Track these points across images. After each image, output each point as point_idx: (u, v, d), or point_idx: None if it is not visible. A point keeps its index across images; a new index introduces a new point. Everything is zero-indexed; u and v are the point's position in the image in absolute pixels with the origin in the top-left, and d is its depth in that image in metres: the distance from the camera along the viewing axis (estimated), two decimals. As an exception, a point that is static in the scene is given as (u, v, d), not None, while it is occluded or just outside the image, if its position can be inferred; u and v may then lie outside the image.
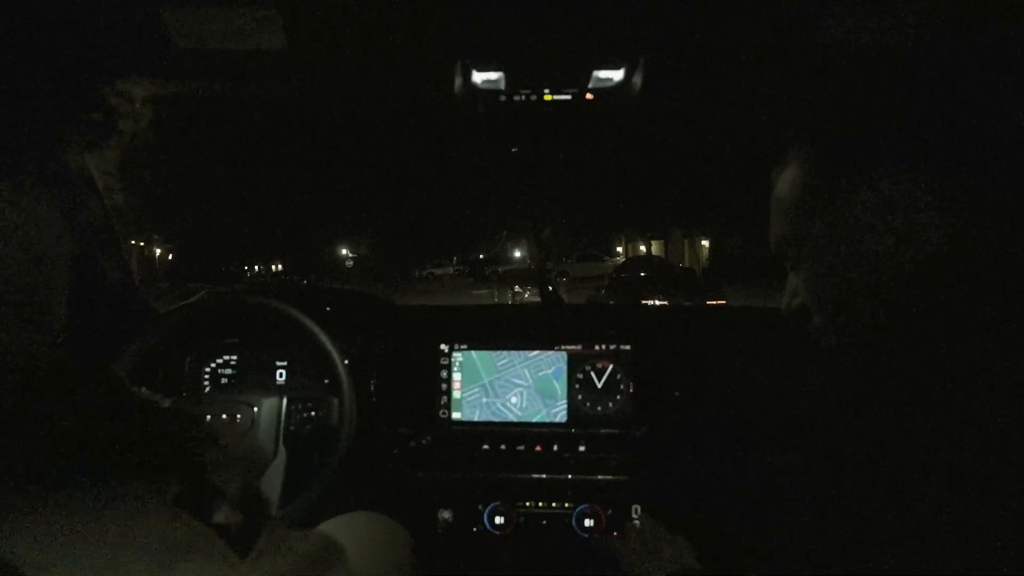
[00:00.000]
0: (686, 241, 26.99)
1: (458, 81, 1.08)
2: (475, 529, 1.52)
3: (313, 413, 1.36)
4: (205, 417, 1.28)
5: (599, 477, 1.51)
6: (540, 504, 1.52)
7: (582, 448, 1.52)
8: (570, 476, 1.52)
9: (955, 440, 0.57)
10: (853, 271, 0.74)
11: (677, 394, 1.55)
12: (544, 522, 1.51)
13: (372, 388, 1.54)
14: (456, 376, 1.58)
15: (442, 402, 1.58)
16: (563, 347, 1.57)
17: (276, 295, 1.38)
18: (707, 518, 1.30)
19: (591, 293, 11.92)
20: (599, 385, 1.56)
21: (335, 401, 1.34)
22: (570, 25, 0.98)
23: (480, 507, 1.52)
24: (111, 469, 0.47)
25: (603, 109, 1.17)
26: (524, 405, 1.56)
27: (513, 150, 1.43)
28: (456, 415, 1.57)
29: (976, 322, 0.64)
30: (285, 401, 1.35)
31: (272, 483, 1.26)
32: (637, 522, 1.45)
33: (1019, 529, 0.53)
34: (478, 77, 1.07)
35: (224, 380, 1.59)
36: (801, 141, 0.81)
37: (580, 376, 1.56)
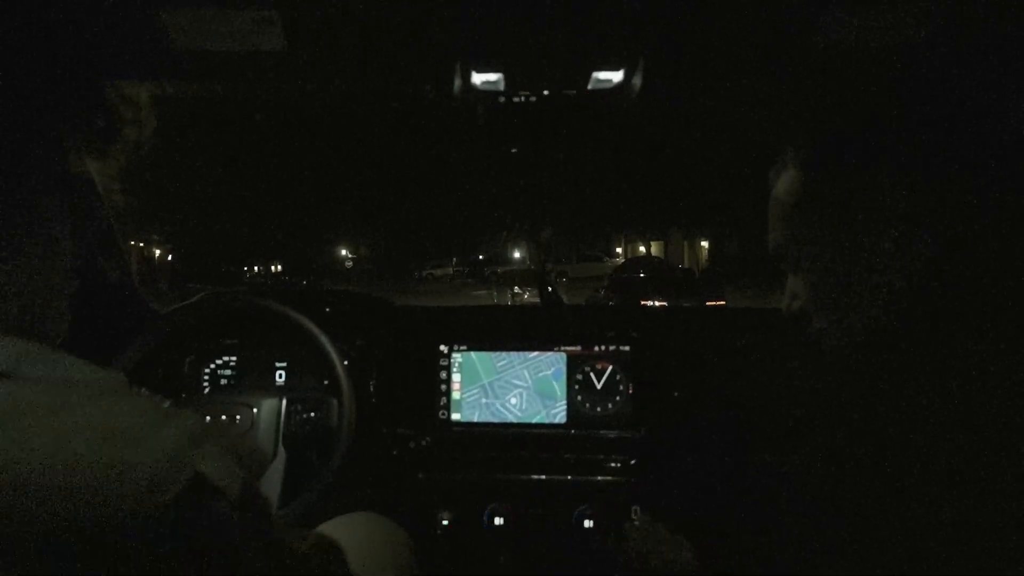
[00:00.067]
0: (685, 242, 27.00)
1: (457, 82, 1.08)
2: (475, 530, 1.52)
3: (313, 414, 1.36)
4: (205, 418, 1.28)
5: (598, 478, 1.51)
6: (539, 505, 1.52)
7: (581, 449, 1.52)
8: (569, 477, 1.52)
9: (954, 441, 0.57)
10: (854, 273, 0.74)
11: (676, 395, 1.55)
12: (544, 523, 1.51)
13: (372, 389, 1.54)
14: (455, 377, 1.58)
15: (441, 403, 1.58)
16: (563, 348, 1.57)
17: (275, 296, 1.38)
18: (707, 519, 1.29)
19: (591, 294, 11.92)
20: (598, 386, 1.56)
21: (335, 402, 1.34)
22: (569, 26, 0.98)
23: (480, 508, 1.52)
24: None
25: (602, 110, 1.17)
26: (523, 406, 1.56)
27: (512, 151, 1.43)
28: (456, 416, 1.57)
29: (976, 324, 0.64)
30: (285, 402, 1.35)
31: (272, 484, 1.26)
32: (636, 523, 1.45)
33: (1019, 530, 0.53)
34: (477, 78, 1.07)
35: (223, 381, 1.58)
36: (799, 142, 0.81)
37: (579, 377, 1.56)
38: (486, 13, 0.94)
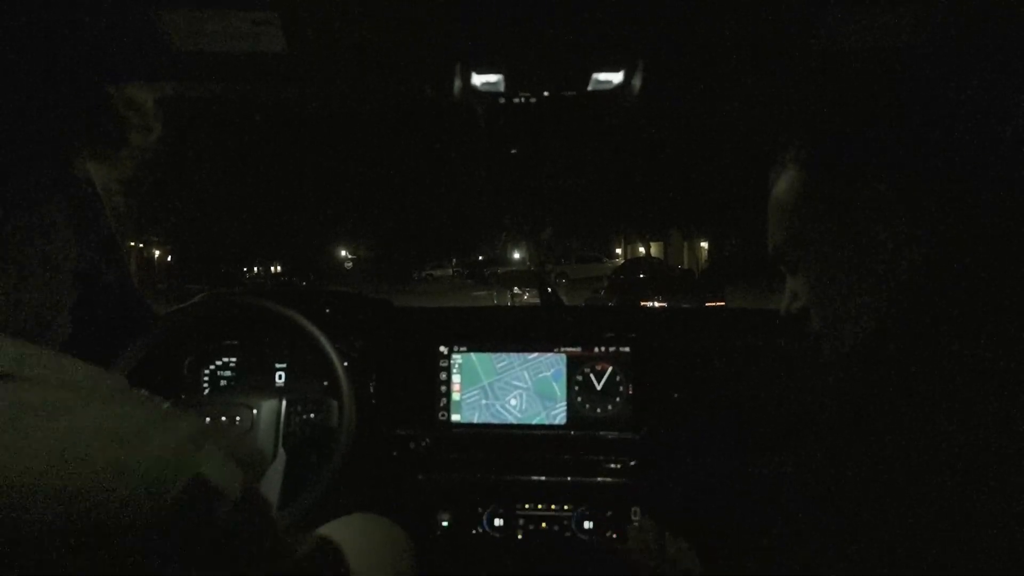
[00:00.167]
0: (685, 243, 27.01)
1: (457, 83, 1.08)
2: (475, 531, 1.52)
3: (312, 415, 1.36)
4: (204, 419, 1.28)
5: (598, 479, 1.51)
6: (539, 506, 1.51)
7: (581, 450, 1.52)
8: (569, 478, 1.52)
9: (954, 441, 0.57)
10: (853, 275, 0.74)
11: (676, 396, 1.55)
12: (544, 524, 1.51)
13: (371, 390, 1.54)
14: (455, 378, 1.58)
15: (441, 404, 1.58)
16: (562, 349, 1.57)
17: (275, 297, 1.38)
18: (706, 520, 1.29)
19: (590, 294, 11.94)
20: (598, 387, 1.56)
21: (334, 403, 1.34)
22: (569, 27, 0.98)
23: (480, 509, 1.52)
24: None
25: (602, 111, 1.17)
26: (523, 407, 1.56)
27: (512, 152, 1.43)
28: (455, 417, 1.57)
29: (975, 325, 0.64)
30: (284, 403, 1.34)
31: (271, 485, 1.26)
32: (637, 524, 1.45)
33: (1018, 531, 0.53)
34: (477, 79, 1.07)
35: (223, 382, 1.58)
36: (799, 143, 0.80)
37: (579, 378, 1.56)
38: (486, 14, 0.94)
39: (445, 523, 1.52)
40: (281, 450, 1.30)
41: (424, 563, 1.15)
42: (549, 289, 1.91)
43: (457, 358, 1.59)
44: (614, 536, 1.47)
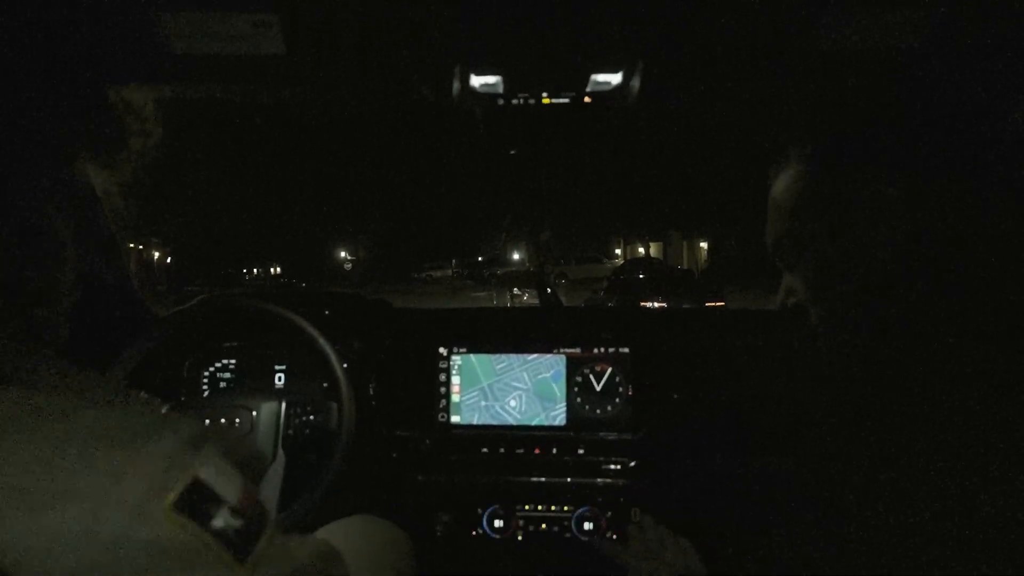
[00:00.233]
0: (685, 243, 27.01)
1: (456, 85, 1.08)
2: (474, 532, 1.52)
3: (312, 417, 1.36)
4: (204, 421, 1.28)
5: (598, 480, 1.51)
6: (539, 507, 1.51)
7: (581, 451, 1.52)
8: (569, 479, 1.52)
9: (953, 441, 0.57)
10: (853, 273, 0.74)
11: (676, 396, 1.55)
12: (543, 525, 1.51)
13: (371, 391, 1.54)
14: (455, 379, 1.58)
15: (441, 405, 1.58)
16: (562, 350, 1.57)
17: (275, 298, 1.38)
18: (706, 520, 1.29)
19: (590, 295, 11.93)
20: (598, 388, 1.56)
21: (334, 405, 1.34)
22: (568, 28, 0.98)
23: (479, 510, 1.52)
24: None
25: (601, 112, 1.17)
26: (523, 408, 1.56)
27: (511, 153, 1.43)
28: (455, 418, 1.57)
29: (974, 324, 0.64)
30: (284, 405, 1.34)
31: (271, 487, 1.26)
32: (637, 524, 1.44)
33: (1018, 531, 0.53)
34: (476, 81, 1.07)
35: (223, 384, 1.58)
36: (800, 141, 0.81)
37: (579, 379, 1.56)
38: (485, 16, 0.94)
39: (445, 524, 1.52)
40: (281, 452, 1.30)
41: (424, 564, 1.15)
42: (548, 290, 1.91)
43: (457, 359, 1.59)
44: (614, 537, 1.47)
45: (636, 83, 1.08)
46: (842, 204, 0.74)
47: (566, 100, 1.13)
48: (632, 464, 1.50)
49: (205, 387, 1.58)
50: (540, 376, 1.57)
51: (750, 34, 1.02)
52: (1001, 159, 0.75)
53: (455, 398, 1.58)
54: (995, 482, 0.55)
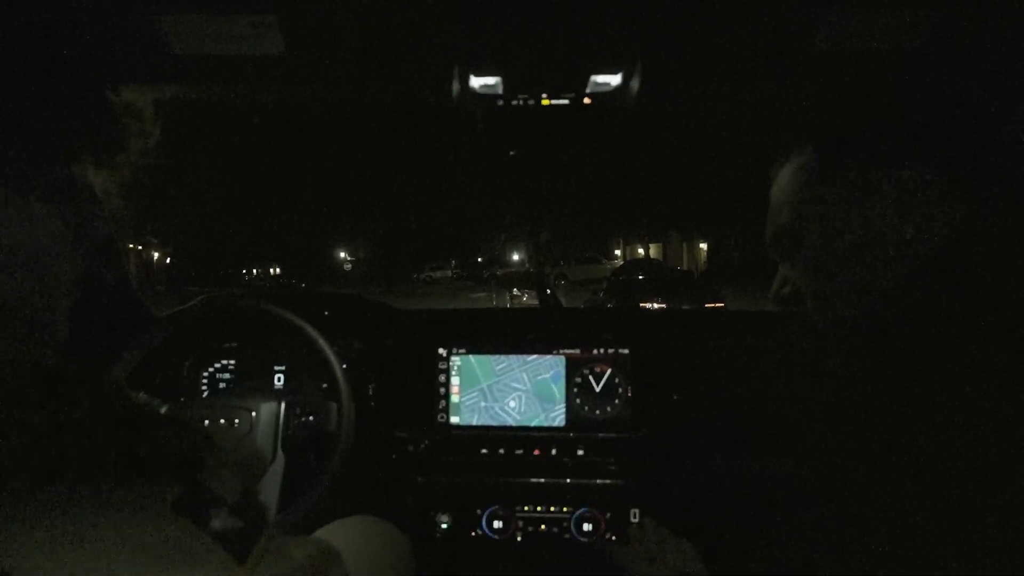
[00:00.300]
0: (684, 244, 27.02)
1: (456, 86, 1.08)
2: (474, 533, 1.52)
3: (311, 417, 1.36)
4: (203, 422, 1.28)
5: (597, 481, 1.51)
6: (539, 508, 1.52)
7: (580, 452, 1.52)
8: (568, 480, 1.52)
9: (954, 440, 0.57)
10: (852, 271, 0.74)
11: (676, 397, 1.55)
12: (543, 526, 1.51)
13: (370, 392, 1.54)
14: (454, 380, 1.58)
15: (440, 406, 1.58)
16: (561, 351, 1.57)
17: (274, 299, 1.38)
18: (706, 521, 1.29)
19: (589, 296, 11.93)
20: (597, 389, 1.56)
21: (333, 405, 1.34)
22: (568, 30, 0.98)
23: (479, 511, 1.52)
24: (107, 475, 0.47)
25: (601, 113, 1.17)
26: (522, 409, 1.56)
27: (511, 154, 1.43)
28: (454, 419, 1.57)
29: (975, 323, 0.64)
30: (283, 405, 1.34)
31: (270, 488, 1.25)
32: (638, 525, 1.44)
33: (1018, 531, 0.53)
34: (476, 82, 1.07)
35: (222, 384, 1.58)
36: (803, 140, 0.81)
37: (578, 380, 1.56)
38: (485, 17, 0.94)
39: (444, 525, 1.52)
40: (280, 452, 1.30)
41: (423, 565, 1.15)
42: (548, 291, 1.91)
43: (456, 360, 1.59)
44: (613, 538, 1.47)
45: (636, 84, 1.08)
46: (842, 203, 0.74)
47: (566, 101, 1.13)
48: (631, 465, 1.50)
49: (204, 387, 1.58)
50: (540, 377, 1.57)
51: (750, 34, 1.02)
52: (1001, 159, 0.75)
53: (454, 399, 1.58)
54: (995, 482, 0.55)
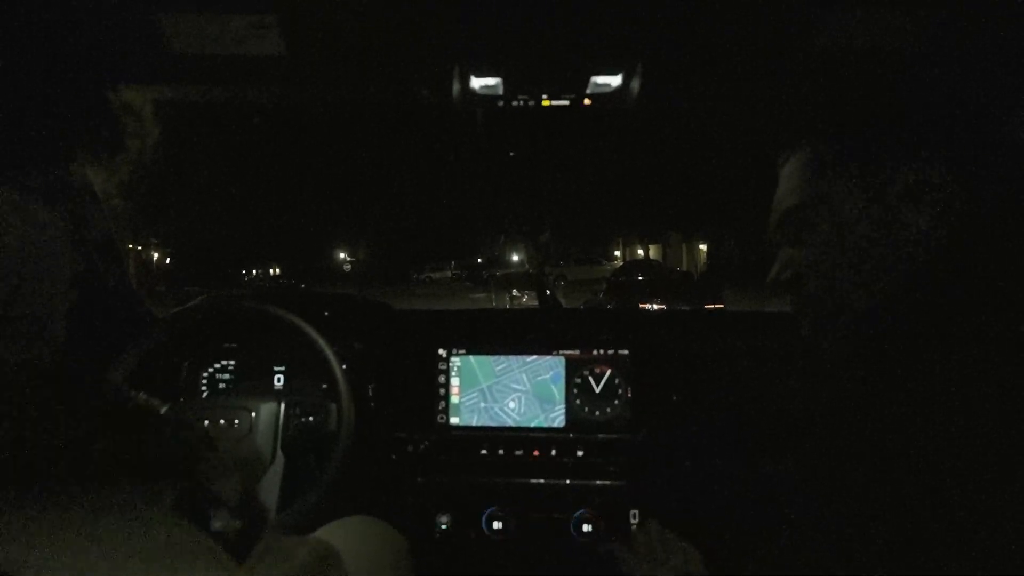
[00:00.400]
0: (684, 245, 27.01)
1: (456, 86, 1.08)
2: (473, 534, 1.52)
3: (311, 418, 1.36)
4: (203, 422, 1.27)
5: (597, 482, 1.51)
6: (538, 509, 1.51)
7: (580, 453, 1.52)
8: (568, 481, 1.51)
9: (953, 441, 0.57)
10: (858, 256, 0.74)
11: (675, 398, 1.55)
12: (542, 527, 1.51)
13: (370, 393, 1.53)
14: (454, 381, 1.58)
15: (440, 407, 1.57)
16: (561, 352, 1.57)
17: (274, 300, 1.38)
18: (705, 522, 1.29)
19: (589, 297, 11.92)
20: (597, 390, 1.56)
21: (333, 406, 1.34)
22: (568, 31, 0.98)
23: (478, 512, 1.52)
24: (109, 476, 0.47)
25: (601, 114, 1.17)
26: (522, 410, 1.56)
27: (511, 154, 1.43)
28: (454, 420, 1.57)
29: (975, 322, 0.64)
30: (283, 406, 1.34)
31: (270, 488, 1.25)
32: (639, 526, 1.44)
33: (1018, 531, 0.53)
34: (476, 82, 1.07)
35: (222, 385, 1.58)
36: (800, 142, 0.81)
37: (578, 381, 1.56)
38: (485, 18, 0.94)
39: (444, 526, 1.52)
40: (279, 453, 1.30)
41: (423, 565, 1.15)
42: (547, 291, 1.91)
43: (456, 361, 1.59)
44: (613, 539, 1.47)
45: (636, 85, 1.08)
46: (850, 194, 0.74)
47: (566, 102, 1.13)
48: (631, 466, 1.50)
49: (204, 388, 1.58)
50: (539, 378, 1.57)
51: (750, 35, 1.02)
52: (1001, 158, 0.75)
53: (454, 399, 1.58)
54: (995, 482, 0.55)
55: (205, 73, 1.09)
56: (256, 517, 0.54)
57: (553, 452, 1.53)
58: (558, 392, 1.56)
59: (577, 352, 1.57)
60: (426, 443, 1.54)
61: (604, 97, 1.11)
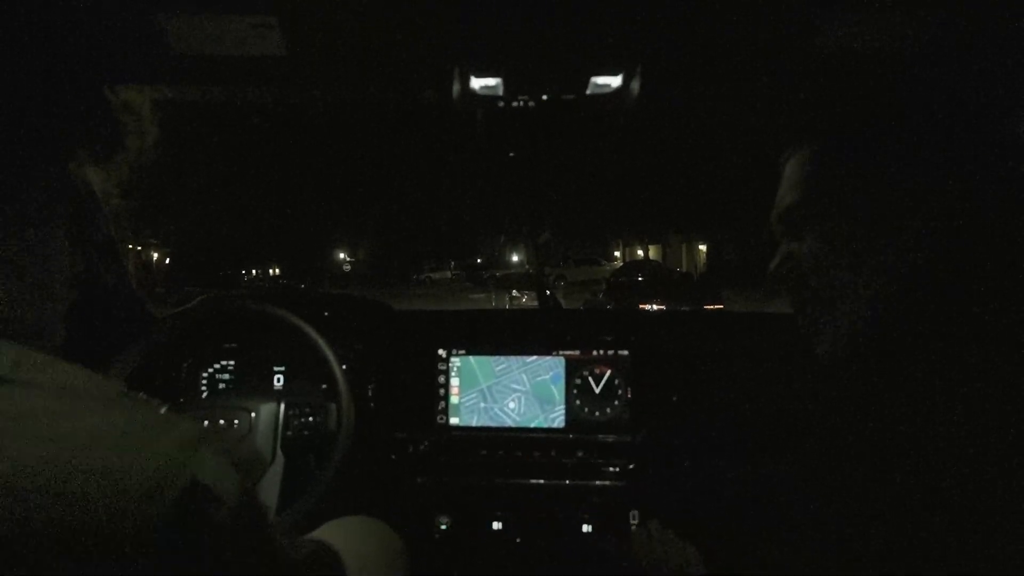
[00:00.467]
0: (683, 246, 27.03)
1: (456, 86, 1.08)
2: (473, 535, 1.52)
3: (311, 418, 1.36)
4: (203, 422, 1.27)
5: (597, 482, 1.51)
6: (538, 509, 1.51)
7: (580, 454, 1.52)
8: (568, 481, 1.51)
9: (953, 442, 0.57)
10: (851, 275, 0.74)
11: (675, 399, 1.55)
12: (542, 527, 1.51)
13: (370, 393, 1.53)
14: (454, 381, 1.58)
15: (440, 407, 1.57)
16: (561, 352, 1.57)
17: (274, 300, 1.38)
18: (705, 522, 1.29)
19: (589, 297, 11.93)
20: (597, 390, 1.56)
21: (333, 406, 1.34)
22: (568, 31, 0.98)
23: (478, 512, 1.52)
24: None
25: (601, 114, 1.17)
26: (522, 410, 1.56)
27: (511, 155, 1.43)
28: (454, 420, 1.57)
29: (975, 322, 0.64)
30: (283, 406, 1.34)
31: (269, 488, 1.25)
32: (639, 526, 1.44)
33: (1018, 530, 0.53)
34: (476, 82, 1.07)
35: (222, 385, 1.58)
36: (800, 143, 0.81)
37: (578, 381, 1.56)
38: (485, 17, 0.94)
39: (444, 526, 1.52)
40: (279, 453, 1.30)
41: (423, 566, 1.15)
42: (547, 292, 1.91)
43: (456, 361, 1.59)
44: (612, 539, 1.47)
45: (636, 85, 1.08)
46: (854, 192, 0.74)
47: (566, 102, 1.13)
48: (631, 466, 1.50)
49: (204, 388, 1.58)
50: (539, 378, 1.57)
51: (750, 35, 1.02)
52: (1001, 158, 0.75)
53: (454, 400, 1.58)
54: (995, 482, 0.55)
55: (205, 73, 1.09)
56: (256, 517, 0.54)
57: (553, 452, 1.53)
58: (558, 393, 1.56)
59: (577, 352, 1.57)
60: (426, 443, 1.54)
61: (604, 98, 1.11)
